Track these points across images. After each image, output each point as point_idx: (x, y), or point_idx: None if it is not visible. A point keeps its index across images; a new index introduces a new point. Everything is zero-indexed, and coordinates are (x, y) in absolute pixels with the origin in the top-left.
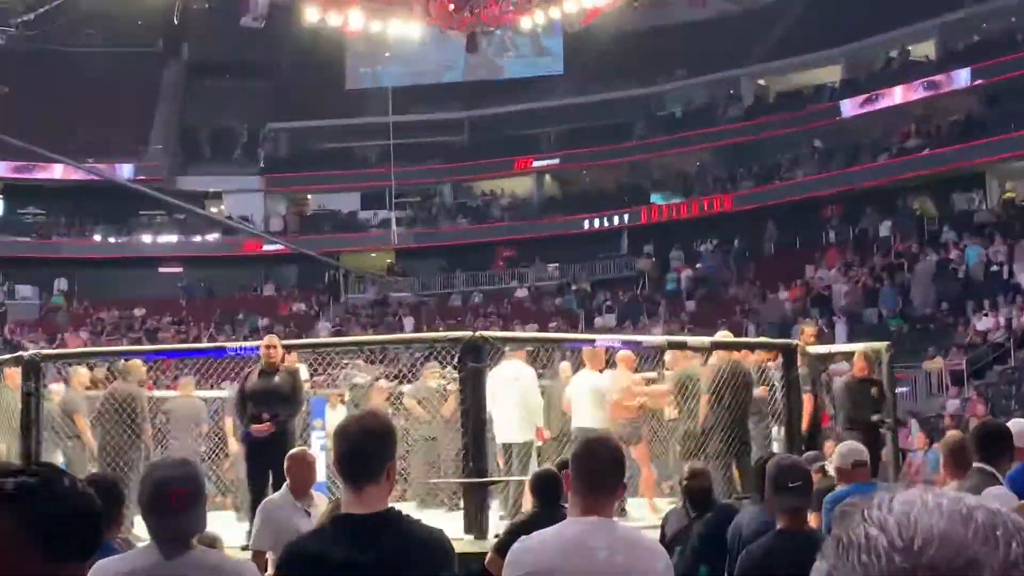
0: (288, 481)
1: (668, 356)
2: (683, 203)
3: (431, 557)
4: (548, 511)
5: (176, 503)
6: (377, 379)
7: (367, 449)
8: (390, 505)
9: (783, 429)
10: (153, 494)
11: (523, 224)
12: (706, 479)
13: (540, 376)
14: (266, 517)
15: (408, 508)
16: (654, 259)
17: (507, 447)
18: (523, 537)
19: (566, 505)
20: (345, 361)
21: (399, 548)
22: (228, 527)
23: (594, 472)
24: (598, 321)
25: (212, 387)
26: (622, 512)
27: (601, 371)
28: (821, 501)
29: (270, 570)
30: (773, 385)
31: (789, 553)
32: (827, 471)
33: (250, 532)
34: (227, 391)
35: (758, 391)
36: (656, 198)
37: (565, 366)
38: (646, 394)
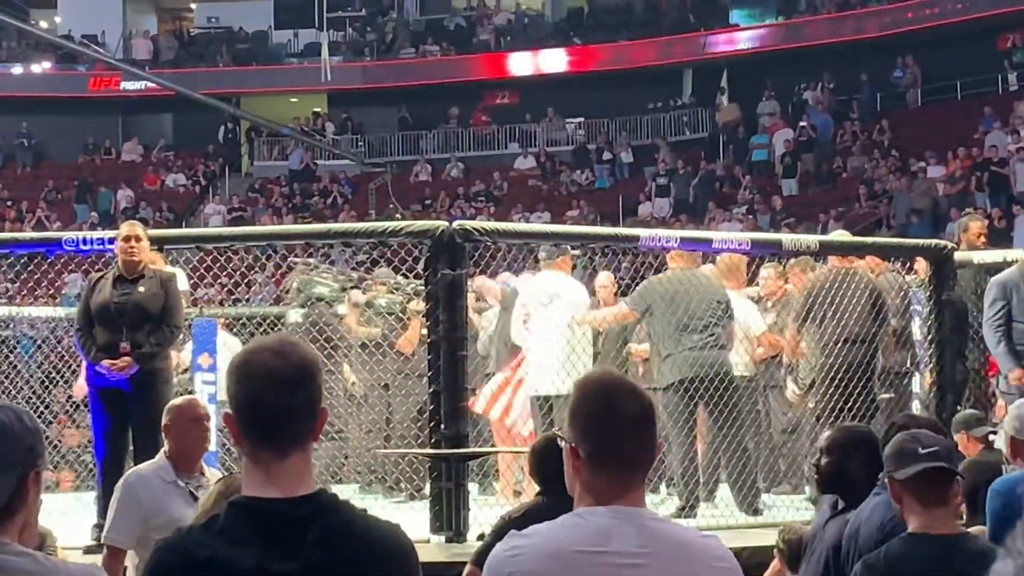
0: (165, 446)
1: (767, 271)
2: (780, 25)
3: (383, 566)
4: (556, 500)
5: None
6: (348, 288)
7: (286, 397)
8: (319, 487)
9: (930, 380)
10: None
11: (529, 56)
12: (848, 452)
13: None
14: (127, 499)
15: (346, 493)
16: (718, 118)
17: (543, 402)
18: (512, 534)
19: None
20: (296, 260)
21: (339, 553)
22: (65, 516)
23: (617, 437)
24: (643, 209)
25: (37, 301)
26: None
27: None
28: (984, 485)
29: None
30: (908, 311)
31: (933, 568)
32: (993, 442)
33: (99, 524)
34: (63, 308)
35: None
36: (739, 16)
37: (604, 278)
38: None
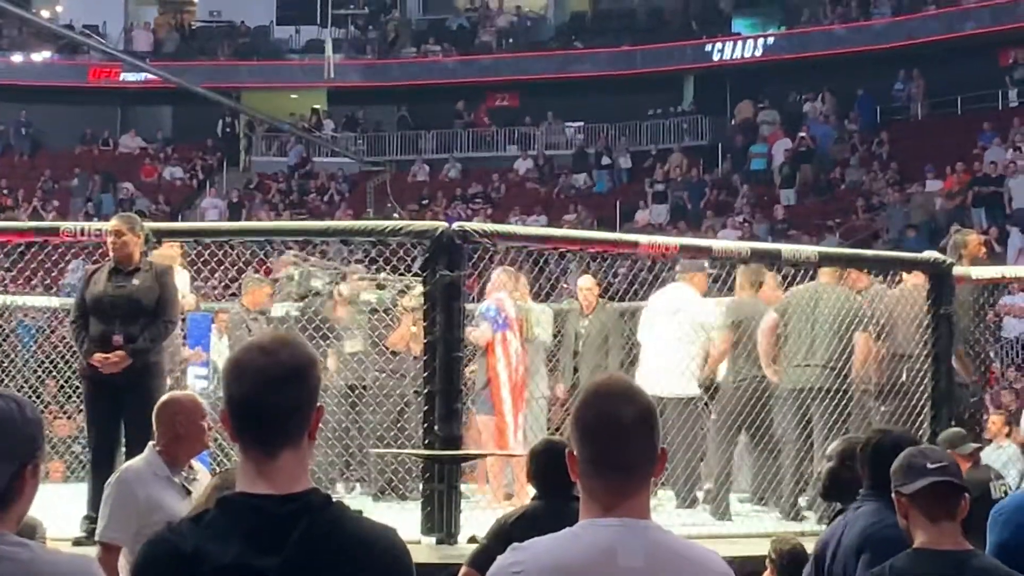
0: (156, 441)
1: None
2: (781, 35)
3: (374, 568)
4: (553, 505)
5: None
6: (337, 281)
7: (275, 395)
8: (312, 485)
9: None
10: None
11: (530, 58)
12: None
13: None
14: (123, 495)
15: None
16: (733, 120)
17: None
18: (514, 547)
19: (579, 497)
20: (293, 254)
21: (322, 552)
22: (56, 509)
23: (617, 443)
24: (640, 216)
25: (34, 291)
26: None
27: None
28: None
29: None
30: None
31: None
32: (979, 459)
33: (90, 516)
34: (58, 299)
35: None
36: (741, 25)
37: (587, 280)
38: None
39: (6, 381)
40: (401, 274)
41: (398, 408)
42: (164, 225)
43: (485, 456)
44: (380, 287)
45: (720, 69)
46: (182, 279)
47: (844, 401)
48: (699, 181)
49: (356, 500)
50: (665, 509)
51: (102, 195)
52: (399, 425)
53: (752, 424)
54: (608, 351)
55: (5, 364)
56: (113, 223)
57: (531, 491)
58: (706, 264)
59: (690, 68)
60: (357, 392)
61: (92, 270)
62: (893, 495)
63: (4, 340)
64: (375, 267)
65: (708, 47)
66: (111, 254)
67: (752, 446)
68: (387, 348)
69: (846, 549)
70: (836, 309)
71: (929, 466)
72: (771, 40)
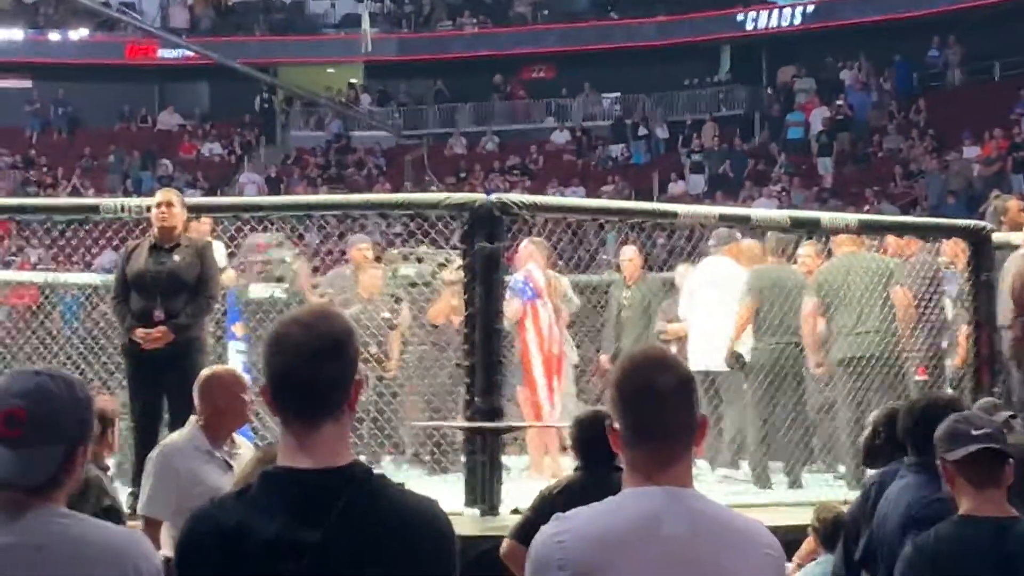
0: (198, 415)
1: (805, 249)
2: (818, 2)
3: (416, 540)
4: (596, 475)
5: (7, 429)
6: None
7: (320, 367)
8: (354, 458)
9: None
10: None
11: (566, 29)
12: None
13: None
14: (164, 470)
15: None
16: (769, 90)
17: (704, 377)
18: (557, 517)
19: (622, 467)
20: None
21: (366, 524)
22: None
23: (657, 411)
24: (674, 187)
25: (74, 267)
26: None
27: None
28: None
29: (165, 550)
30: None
31: (983, 551)
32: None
33: (134, 492)
34: (99, 275)
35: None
36: None
37: (630, 251)
38: None
39: (49, 358)
40: (439, 247)
41: (451, 380)
42: (203, 200)
43: (526, 427)
44: (419, 260)
45: (756, 38)
46: (219, 252)
47: (896, 367)
48: (737, 150)
49: (400, 474)
50: (705, 479)
51: (142, 172)
52: (452, 397)
53: (784, 392)
54: (650, 320)
55: (48, 342)
56: (162, 194)
57: (564, 462)
58: (738, 235)
59: (726, 38)
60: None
61: (132, 246)
62: (938, 461)
63: (47, 318)
64: (413, 240)
65: (742, 16)
66: (155, 227)
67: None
68: (428, 322)
69: (892, 528)
70: (871, 273)
71: (974, 432)
72: (810, 8)
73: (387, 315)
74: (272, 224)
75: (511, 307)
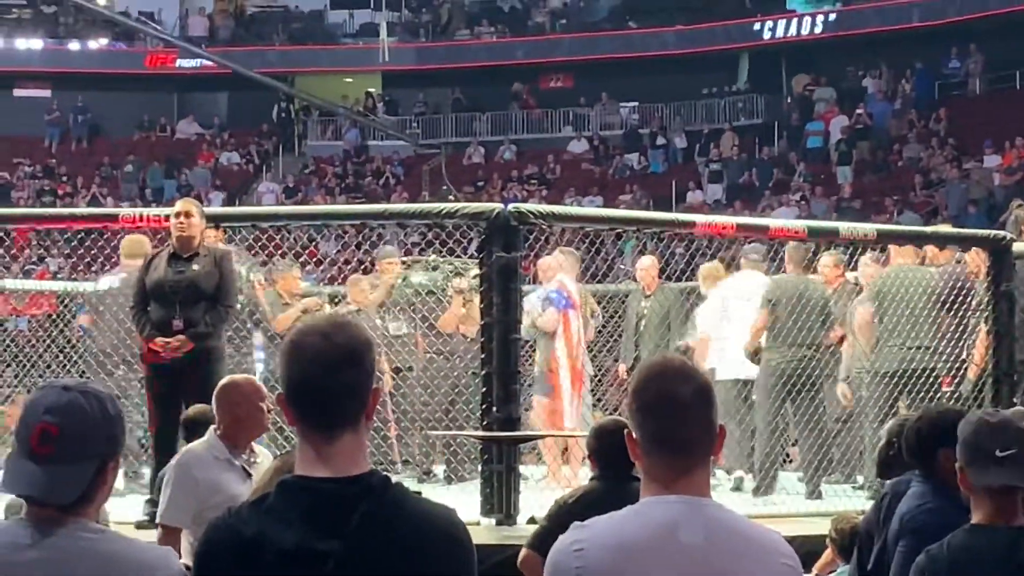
0: (217, 424)
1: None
2: (838, 11)
3: (435, 549)
4: (614, 485)
5: (39, 446)
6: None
7: (339, 377)
8: (371, 467)
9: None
10: (19, 430)
11: (584, 39)
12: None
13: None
14: (183, 478)
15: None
16: (788, 99)
17: (734, 385)
18: (576, 526)
19: (639, 477)
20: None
21: (384, 533)
22: (116, 490)
23: (675, 420)
24: (692, 197)
25: (94, 275)
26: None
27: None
28: None
29: (185, 558)
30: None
31: (997, 560)
32: None
33: (152, 499)
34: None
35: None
36: (796, 2)
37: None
38: None
39: (68, 367)
40: (456, 256)
41: (456, 390)
42: (222, 210)
43: (544, 437)
44: (433, 268)
45: (775, 47)
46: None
47: (937, 383)
48: (755, 159)
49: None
50: (724, 488)
51: (165, 181)
52: (457, 407)
53: (795, 402)
54: (668, 330)
55: (67, 350)
56: (180, 204)
57: (581, 472)
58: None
59: (744, 47)
60: (401, 375)
61: (151, 255)
62: (957, 467)
63: (66, 326)
64: (431, 249)
65: (759, 25)
66: (174, 237)
67: (797, 423)
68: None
69: (891, 535)
70: (924, 287)
71: (998, 454)
72: (832, 17)
73: (379, 322)
74: (290, 233)
75: (549, 317)
